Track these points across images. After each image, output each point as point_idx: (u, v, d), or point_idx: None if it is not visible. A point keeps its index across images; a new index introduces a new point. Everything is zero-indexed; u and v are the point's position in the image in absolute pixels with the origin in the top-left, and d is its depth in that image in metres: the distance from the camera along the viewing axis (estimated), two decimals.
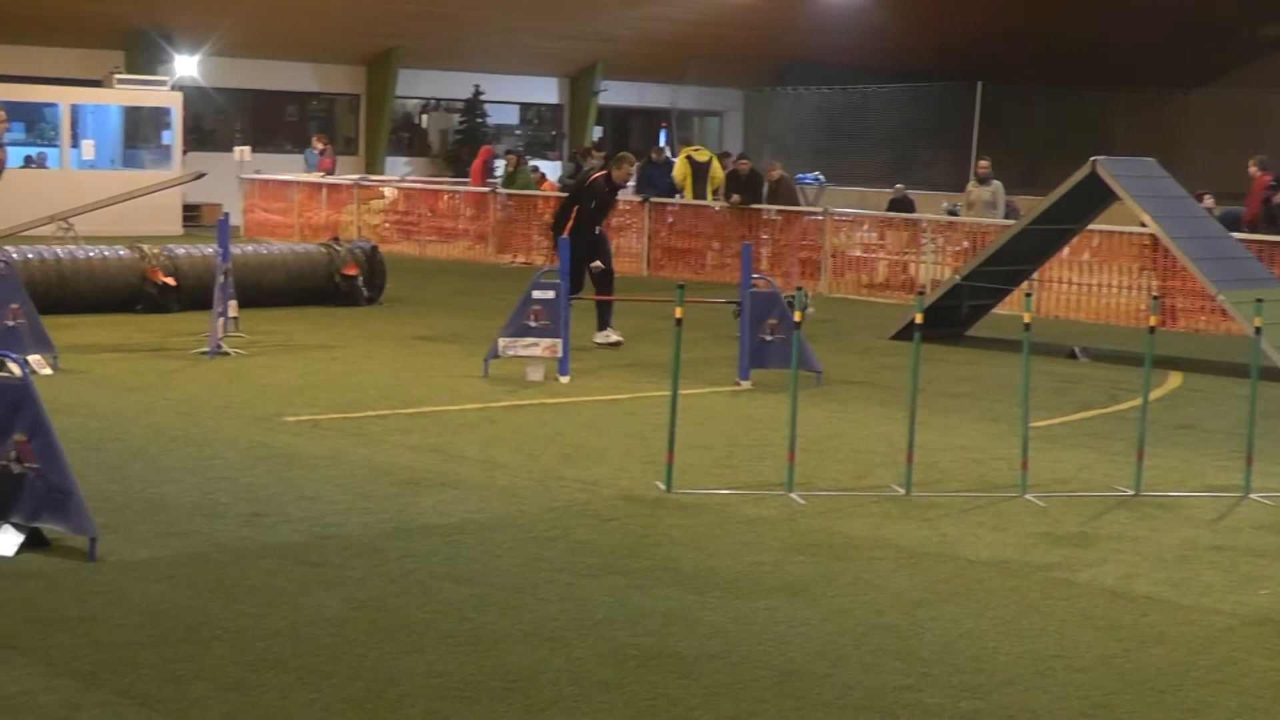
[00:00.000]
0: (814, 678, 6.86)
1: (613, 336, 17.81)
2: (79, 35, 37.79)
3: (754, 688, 6.70)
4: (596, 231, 18.05)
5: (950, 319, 19.56)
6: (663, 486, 10.49)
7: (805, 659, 7.10)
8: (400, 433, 12.32)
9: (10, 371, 9.12)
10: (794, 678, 6.84)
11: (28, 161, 36.22)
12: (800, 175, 36.83)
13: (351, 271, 21.58)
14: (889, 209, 30.01)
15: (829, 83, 46.29)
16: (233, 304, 17.04)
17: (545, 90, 47.49)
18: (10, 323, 14.43)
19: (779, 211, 27.36)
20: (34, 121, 37.17)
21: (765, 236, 27.00)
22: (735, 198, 27.66)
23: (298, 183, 34.95)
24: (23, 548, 8.33)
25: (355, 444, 11.79)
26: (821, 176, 37.45)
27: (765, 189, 28.03)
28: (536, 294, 15.15)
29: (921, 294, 13.00)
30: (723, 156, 31.36)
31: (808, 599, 8.08)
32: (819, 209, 28.62)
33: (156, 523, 9.19)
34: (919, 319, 11.08)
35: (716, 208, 28.32)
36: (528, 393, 14.49)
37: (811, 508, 10.18)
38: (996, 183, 26.83)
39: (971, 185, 27.35)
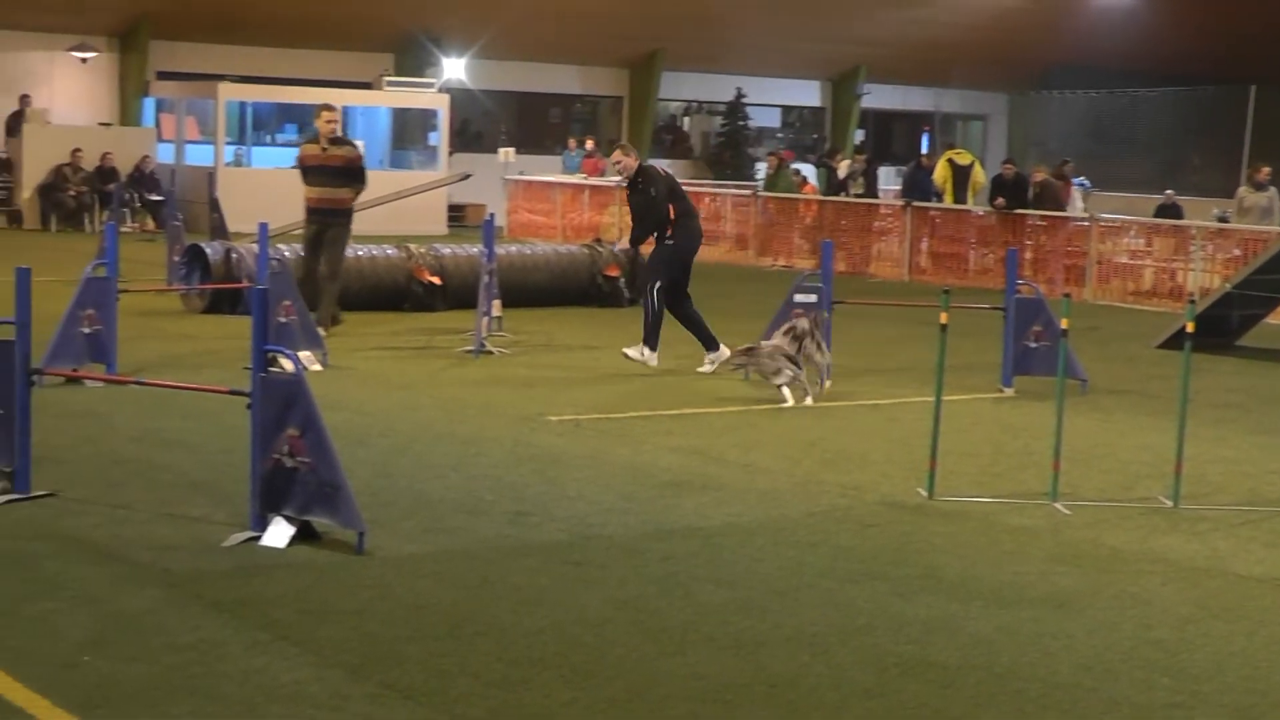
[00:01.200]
0: (1080, 691, 6.72)
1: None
2: (351, 39, 38.64)
3: (1018, 699, 6.59)
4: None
5: (1220, 328, 19.07)
6: (925, 493, 10.39)
7: (1071, 672, 6.97)
8: (662, 434, 12.37)
9: (283, 368, 9.35)
10: (1059, 691, 6.72)
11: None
12: (1075, 180, 36.22)
13: (614, 273, 21.74)
14: (1156, 216, 29.36)
15: (1095, 86, 45.47)
16: (496, 304, 17.28)
17: (807, 93, 47.36)
18: (282, 320, 14.79)
19: (1043, 217, 26.95)
20: (306, 123, 38.07)
21: (1029, 242, 26.60)
22: (999, 201, 27.31)
23: (561, 184, 35.33)
24: (294, 540, 8.53)
25: (617, 444, 11.87)
26: (1087, 181, 36.74)
27: (1030, 193, 27.63)
28: (799, 298, 15.10)
29: (1193, 301, 12.69)
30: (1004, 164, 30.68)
31: (1073, 611, 7.93)
32: (1085, 214, 28.11)
33: (422, 518, 9.35)
34: (1190, 327, 10.81)
35: (980, 212, 27.98)
36: None
37: (1076, 518, 9.99)
38: (1273, 189, 26.11)
39: (1244, 190, 26.65)
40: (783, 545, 9.05)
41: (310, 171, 17.48)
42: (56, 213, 33.69)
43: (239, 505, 9.15)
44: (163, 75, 37.59)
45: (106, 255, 14.29)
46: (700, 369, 15.67)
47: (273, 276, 14.95)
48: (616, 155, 16.33)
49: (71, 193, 33.76)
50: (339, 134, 17.79)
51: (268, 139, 38.46)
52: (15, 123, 34.71)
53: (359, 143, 18.17)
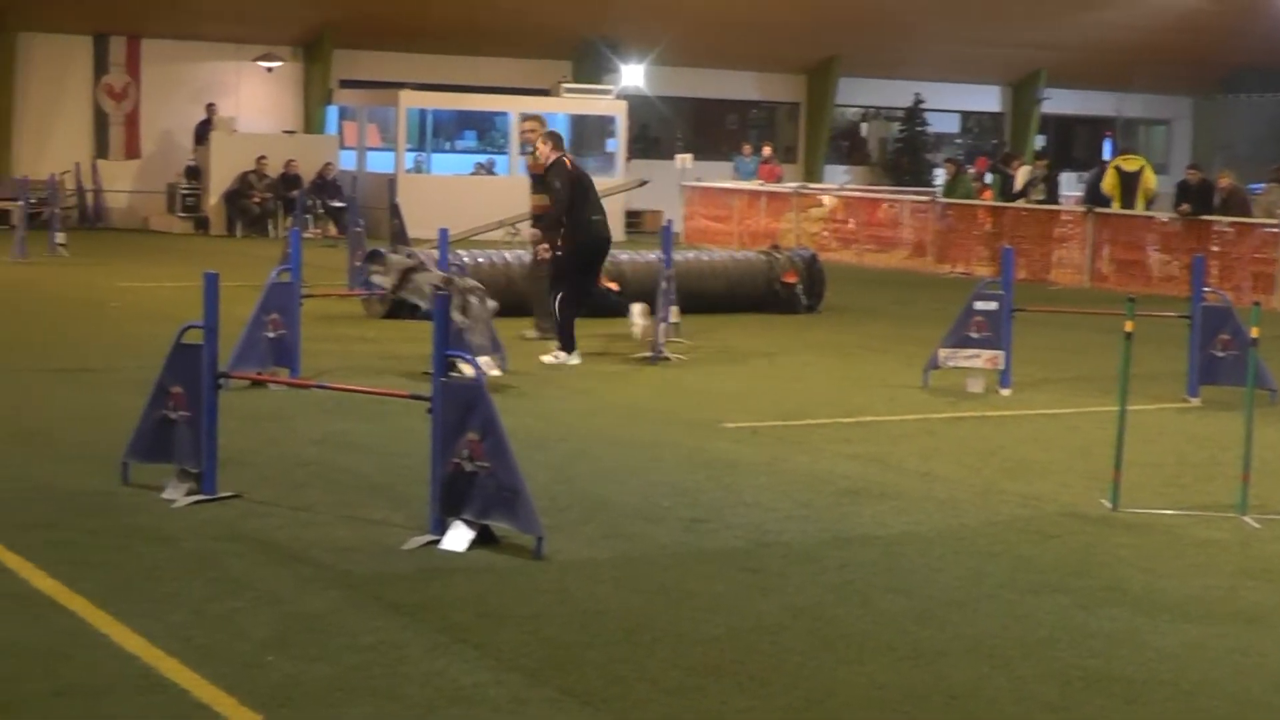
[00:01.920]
0: (1273, 711, 6.57)
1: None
2: (529, 46, 38.92)
3: (1206, 717, 6.45)
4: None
5: None
6: (1108, 504, 10.21)
7: (1262, 690, 6.80)
8: (839, 441, 12.29)
9: (463, 372, 9.42)
10: (1250, 709, 6.56)
11: (478, 168, 37.51)
12: (1252, 185, 35.48)
13: (791, 279, 21.67)
14: None
15: None
16: (674, 310, 17.27)
17: (986, 98, 46.93)
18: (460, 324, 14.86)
19: (1231, 223, 26.43)
20: (485, 130, 38.42)
21: (1215, 249, 26.09)
22: (1184, 207, 26.83)
23: (737, 190, 35.30)
24: (473, 544, 8.58)
25: (794, 452, 11.81)
26: (1259, 185, 35.94)
27: (1216, 199, 27.10)
28: (978, 305, 14.94)
29: None
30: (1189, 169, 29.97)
31: (1265, 627, 7.75)
32: (1275, 221, 27.52)
33: (599, 524, 9.36)
34: None
35: (1164, 219, 27.51)
36: (968, 405, 14.31)
37: (1266, 532, 9.76)
38: None
39: None
40: (962, 555, 8.95)
41: (531, 180, 17.91)
42: (242, 219, 34.30)
43: (418, 508, 9.22)
44: (345, 84, 38.14)
45: (290, 261, 14.50)
46: (543, 357, 15.91)
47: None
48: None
49: (256, 199, 34.35)
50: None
51: (447, 146, 38.87)
52: (203, 131, 35.41)
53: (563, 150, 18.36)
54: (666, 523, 9.47)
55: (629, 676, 6.67)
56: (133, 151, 36.34)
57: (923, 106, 44.88)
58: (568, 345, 15.96)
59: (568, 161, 16.28)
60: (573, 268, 16.08)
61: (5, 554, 8.21)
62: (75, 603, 7.43)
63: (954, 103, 46.40)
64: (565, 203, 16.03)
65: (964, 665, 6.96)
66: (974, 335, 14.89)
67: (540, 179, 17.42)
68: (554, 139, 16.45)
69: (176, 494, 9.56)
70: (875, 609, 7.79)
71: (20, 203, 27.27)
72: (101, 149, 36.08)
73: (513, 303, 19.34)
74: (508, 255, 20.37)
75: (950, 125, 47.55)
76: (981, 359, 14.88)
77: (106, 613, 7.27)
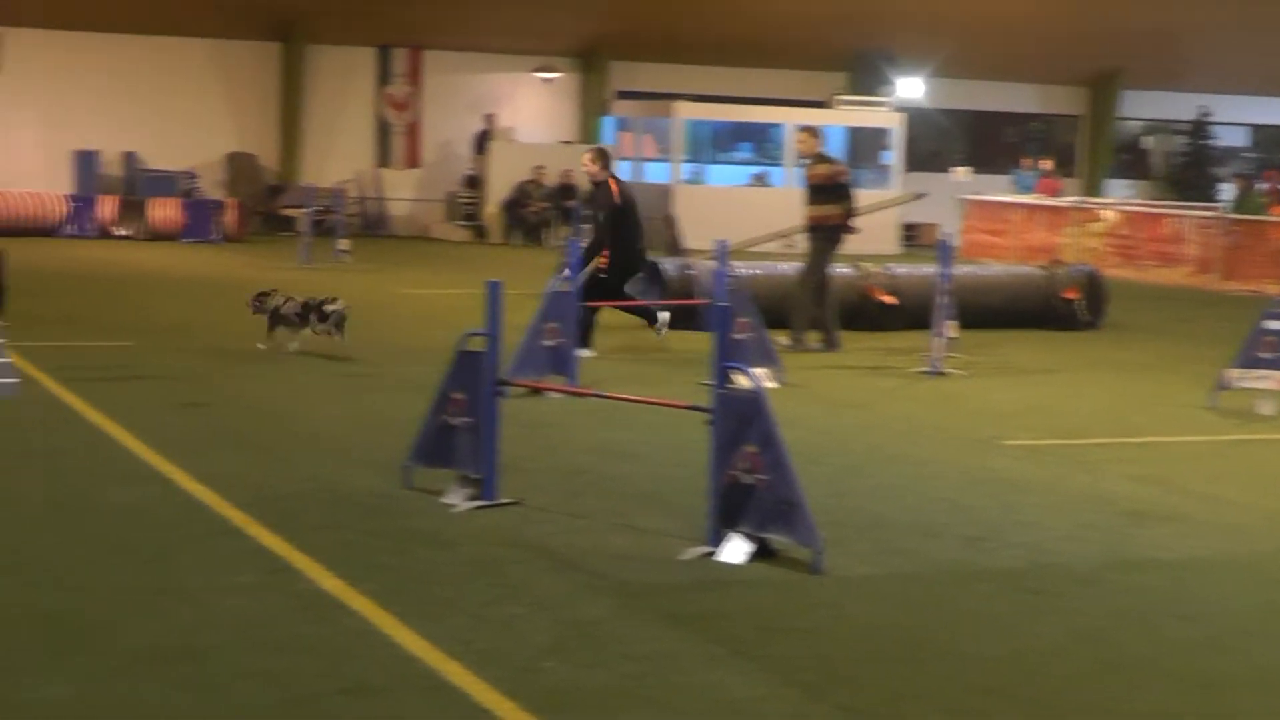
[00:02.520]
0: None
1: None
2: (805, 58, 38.88)
3: None
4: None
5: None
6: None
7: None
8: (1121, 462, 12.04)
9: (742, 384, 9.41)
10: None
11: (754, 180, 37.55)
12: None
13: (1072, 295, 21.30)
14: None
15: None
16: (952, 325, 17.09)
17: (1278, 111, 45.62)
18: (739, 337, 14.91)
19: None
20: (760, 141, 38.45)
21: None
22: None
23: (1016, 204, 34.83)
24: (751, 557, 8.57)
25: (1074, 471, 11.60)
26: None
27: None
28: (1269, 324, 14.52)
29: None
30: None
31: None
32: None
33: (875, 540, 9.29)
34: None
35: None
36: (1258, 427, 13.91)
37: None
38: None
39: None
40: (1252, 582, 8.70)
41: (808, 190, 17.96)
42: (519, 227, 34.80)
43: (693, 519, 9.24)
44: (622, 95, 38.50)
45: (569, 270, 14.65)
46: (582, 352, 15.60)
47: (730, 293, 15.09)
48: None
49: (533, 208, 34.83)
50: (819, 152, 18.01)
51: (723, 157, 38.98)
52: (482, 141, 36.03)
53: (837, 160, 18.35)
54: (944, 540, 9.37)
55: (907, 695, 6.60)
56: (413, 161, 37.14)
57: (1209, 120, 43.80)
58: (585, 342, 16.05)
59: (613, 184, 16.50)
60: (616, 295, 16.51)
61: (294, 554, 8.43)
62: (359, 603, 7.59)
63: (1243, 116, 45.21)
64: (610, 225, 16.31)
65: (1255, 696, 6.77)
66: (1264, 356, 14.48)
67: (819, 189, 17.47)
68: (603, 157, 16.59)
69: (457, 499, 9.72)
70: (1160, 635, 7.61)
71: (306, 210, 28.03)
72: (384, 158, 36.93)
73: (787, 313, 19.33)
74: (784, 267, 20.34)
75: (1239, 139, 46.32)
76: (1272, 380, 14.45)
77: (390, 614, 7.42)
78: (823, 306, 17.90)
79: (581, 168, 16.94)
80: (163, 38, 34.93)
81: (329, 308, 15.99)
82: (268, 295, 16.44)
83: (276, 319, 16.19)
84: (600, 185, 16.43)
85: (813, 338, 17.89)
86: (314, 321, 16.01)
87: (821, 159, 17.99)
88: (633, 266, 16.65)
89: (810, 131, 18.12)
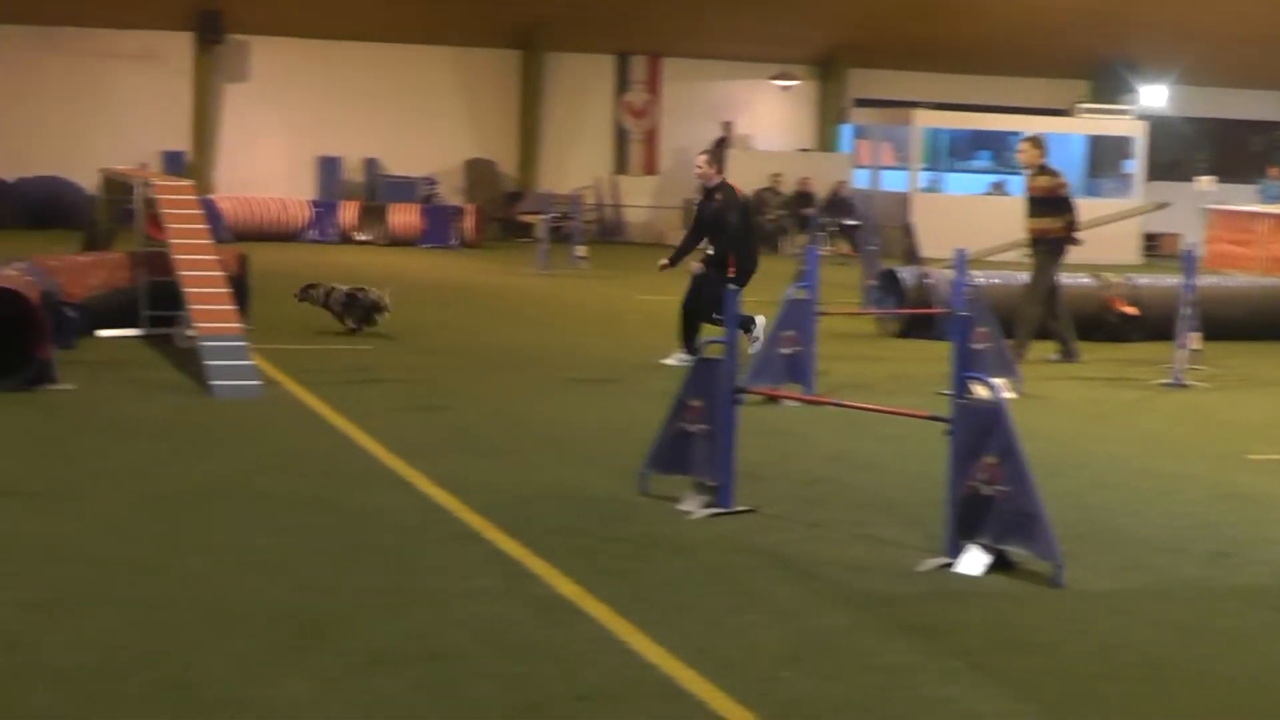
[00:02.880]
0: None
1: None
2: (1046, 66, 38.33)
3: None
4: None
5: None
6: None
7: None
8: None
9: (981, 394, 9.29)
10: None
11: (992, 189, 37.13)
12: None
13: None
14: None
15: None
16: (1195, 336, 16.71)
17: None
18: (977, 346, 14.74)
19: None
20: (999, 149, 38.00)
21: None
22: None
23: (1262, 214, 33.94)
24: (989, 569, 8.46)
25: None
26: None
27: None
28: None
29: None
30: None
31: None
32: None
33: (1117, 554, 9.11)
34: None
35: None
36: None
37: None
38: None
39: None
40: None
41: (1028, 202, 17.68)
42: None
43: (931, 530, 9.15)
44: (860, 102, 38.31)
45: (806, 278, 14.61)
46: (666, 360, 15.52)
47: (969, 303, 14.93)
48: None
49: (771, 216, 34.78)
50: (1041, 164, 17.62)
51: (961, 165, 38.60)
52: (719, 148, 36.07)
53: (1058, 172, 17.92)
54: (1188, 556, 9.15)
55: (1152, 714, 6.47)
56: (650, 168, 37.33)
57: None
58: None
59: (737, 189, 16.31)
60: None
61: (532, 558, 8.50)
62: (596, 609, 7.62)
63: None
64: (734, 230, 16.02)
65: None
66: None
67: (1040, 201, 17.18)
68: (717, 160, 16.62)
69: (693, 506, 9.73)
70: None
71: (544, 217, 28.32)
72: (621, 165, 37.17)
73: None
74: (1024, 277, 20.03)
75: None
76: None
77: (626, 620, 7.44)
78: (1056, 318, 17.60)
79: (695, 171, 16.73)
80: (405, 46, 35.53)
81: (364, 295, 17.27)
82: (314, 287, 17.75)
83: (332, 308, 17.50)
84: (717, 188, 16.17)
85: (1051, 349, 17.61)
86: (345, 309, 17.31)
87: (1042, 171, 17.59)
88: (747, 273, 16.11)
89: (1033, 142, 17.80)
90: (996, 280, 19.58)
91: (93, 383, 13.64)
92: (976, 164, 38.49)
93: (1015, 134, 36.24)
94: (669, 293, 23.92)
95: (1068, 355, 17.55)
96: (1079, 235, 17.70)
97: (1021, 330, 17.30)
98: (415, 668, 6.71)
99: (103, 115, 33.53)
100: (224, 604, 7.51)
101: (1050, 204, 17.29)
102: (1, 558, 8.20)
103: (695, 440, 9.84)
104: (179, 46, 34.08)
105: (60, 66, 33.34)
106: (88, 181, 26.23)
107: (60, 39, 33.38)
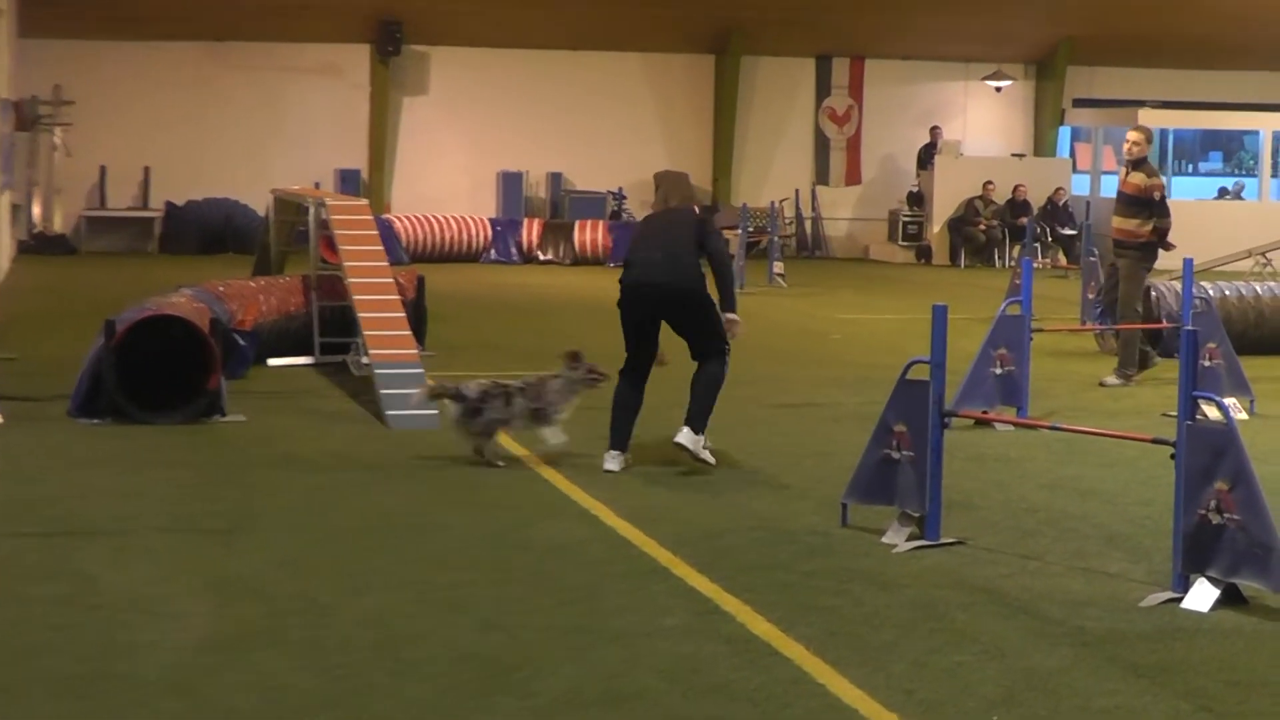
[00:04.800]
0: None
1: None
2: (1279, 59, 37.61)
3: None
4: None
5: None
6: None
7: None
8: None
9: (1211, 415, 9.17)
10: None
11: (1222, 193, 36.55)
12: None
13: None
14: None
15: None
16: None
17: None
18: (1207, 363, 14.53)
19: None
20: (1233, 150, 37.44)
21: None
22: None
23: None
24: (1218, 603, 8.33)
25: None
26: None
27: None
28: None
29: None
30: None
31: None
32: None
33: None
34: None
35: None
36: None
37: None
38: None
39: None
40: None
41: (1116, 197, 17.13)
42: (966, 247, 34.55)
43: (1158, 562, 9.05)
44: (1079, 102, 37.90)
45: (1020, 292, 14.50)
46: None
47: (1197, 317, 14.73)
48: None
49: (981, 227, 34.53)
50: (1144, 157, 17.02)
51: (1189, 168, 38.07)
52: (927, 155, 35.90)
53: (1158, 171, 17.32)
54: None
55: None
56: (853, 177, 37.21)
57: None
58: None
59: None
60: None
61: (724, 595, 8.52)
62: (792, 649, 7.63)
63: None
64: None
65: None
66: None
67: (1131, 200, 16.64)
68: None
69: (898, 538, 9.69)
70: None
71: (740, 231, 28.36)
72: (822, 175, 37.10)
73: (1261, 339, 18.78)
74: (1259, 288, 19.74)
75: None
76: None
77: (824, 660, 7.44)
78: (1117, 333, 16.88)
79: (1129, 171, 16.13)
80: (591, 53, 35.76)
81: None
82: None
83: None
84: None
85: (1108, 366, 17.05)
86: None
87: (1140, 166, 16.96)
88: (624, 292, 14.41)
89: (1144, 133, 17.12)
90: (1229, 292, 19.27)
91: (264, 414, 13.92)
92: (1206, 166, 37.94)
93: (1251, 133, 35.74)
94: (873, 311, 23.88)
95: (1127, 376, 16.78)
96: (1171, 240, 17.12)
97: (1126, 352, 16.75)
98: (603, 711, 6.77)
99: (276, 133, 34.15)
100: (401, 645, 7.62)
101: (1141, 204, 16.72)
102: (174, 596, 8.40)
103: (900, 468, 9.80)
104: (356, 59, 34.60)
105: (234, 83, 34.01)
106: (260, 204, 26.78)
107: (233, 54, 34.08)
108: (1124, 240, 16.78)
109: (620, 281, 12.24)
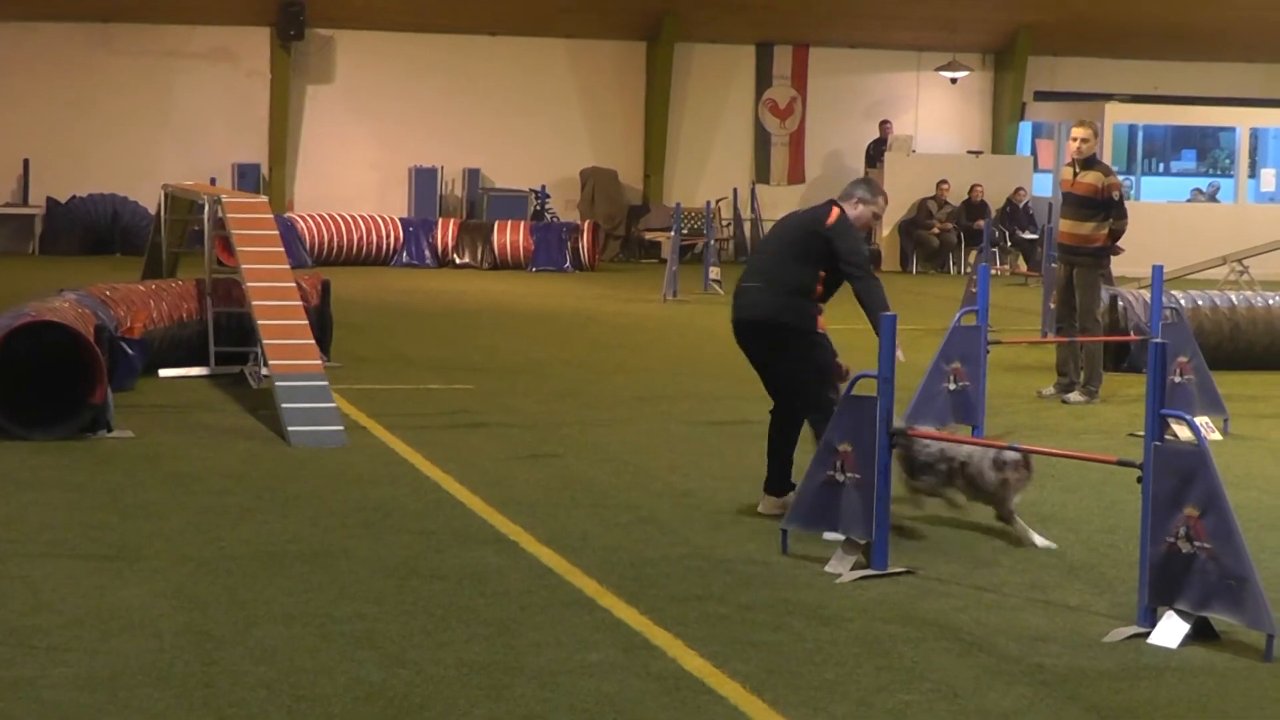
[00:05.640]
0: None
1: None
2: (1267, 48, 37.85)
3: None
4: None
5: None
6: None
7: None
8: None
9: (1181, 435, 9.24)
10: None
11: (1195, 194, 36.83)
12: None
13: None
14: None
15: None
16: None
17: None
18: (1178, 379, 14.63)
19: None
20: (1206, 148, 37.74)
21: None
22: None
23: None
24: (1188, 639, 8.39)
25: None
26: None
27: None
28: None
29: None
30: None
31: None
32: None
33: None
34: None
35: None
36: None
37: None
38: None
39: None
40: None
41: (1063, 199, 17.17)
42: (918, 252, 34.72)
43: (1122, 594, 9.12)
44: (1041, 95, 38.11)
45: (976, 301, 14.57)
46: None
47: (1167, 328, 14.82)
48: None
49: (935, 230, 34.70)
50: (1094, 155, 17.06)
51: (1160, 167, 38.34)
52: (876, 151, 36.04)
53: (1113, 170, 17.39)
54: None
55: None
56: (796, 176, 37.31)
57: None
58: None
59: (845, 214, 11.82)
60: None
61: (653, 629, 8.53)
62: (727, 687, 7.65)
63: None
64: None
65: None
66: None
67: (1083, 201, 16.67)
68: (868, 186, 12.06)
69: (842, 567, 9.73)
70: None
71: (673, 234, 28.40)
72: (762, 172, 37.18)
73: (1236, 353, 18.94)
74: (1234, 298, 19.90)
75: None
76: None
77: (761, 700, 7.46)
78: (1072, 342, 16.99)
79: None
80: (513, 39, 35.73)
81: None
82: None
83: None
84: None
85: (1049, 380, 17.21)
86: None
87: (1093, 164, 17.01)
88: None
89: (1091, 128, 17.17)
90: (1201, 302, 19.41)
91: (154, 430, 13.86)
92: (1178, 165, 38.23)
93: (1227, 129, 36.04)
94: None
95: (1091, 393, 16.87)
96: (1121, 245, 17.23)
97: (1091, 366, 16.85)
98: None
99: (168, 124, 33.99)
100: (300, 682, 7.60)
101: (1097, 206, 16.78)
102: (54, 629, 8.35)
103: (844, 491, 9.84)
104: (254, 43, 34.50)
105: (120, 68, 33.86)
106: (150, 200, 26.65)
107: (119, 37, 33.92)
108: (1077, 246, 16.82)
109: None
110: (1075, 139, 16.85)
